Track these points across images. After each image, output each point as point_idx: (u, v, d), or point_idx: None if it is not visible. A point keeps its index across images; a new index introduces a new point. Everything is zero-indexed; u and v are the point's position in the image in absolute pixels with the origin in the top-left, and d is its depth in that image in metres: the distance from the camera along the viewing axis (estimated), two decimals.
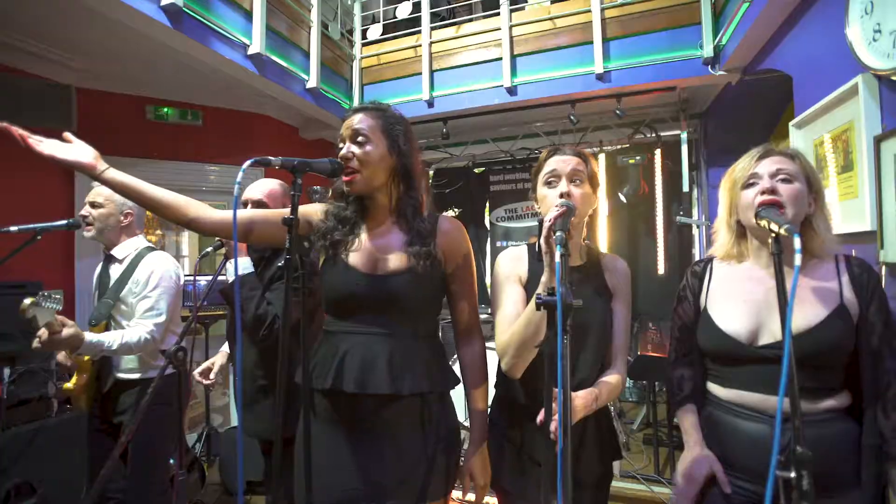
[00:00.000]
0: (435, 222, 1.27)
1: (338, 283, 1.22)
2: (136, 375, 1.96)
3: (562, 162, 1.28)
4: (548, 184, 1.28)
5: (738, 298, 1.17)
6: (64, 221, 1.90)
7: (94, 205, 1.97)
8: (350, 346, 1.18)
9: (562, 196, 1.22)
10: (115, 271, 2.00)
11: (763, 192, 1.09)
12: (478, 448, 1.28)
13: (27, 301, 1.54)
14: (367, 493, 1.15)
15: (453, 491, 1.28)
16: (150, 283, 1.94)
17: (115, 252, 2.01)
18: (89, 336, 1.75)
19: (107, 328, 1.93)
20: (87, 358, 1.90)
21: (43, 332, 1.61)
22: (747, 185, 1.14)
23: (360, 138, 1.19)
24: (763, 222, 1.03)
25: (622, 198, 4.27)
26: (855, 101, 1.64)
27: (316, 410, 1.22)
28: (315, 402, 1.22)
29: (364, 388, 1.13)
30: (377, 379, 1.14)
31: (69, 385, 1.93)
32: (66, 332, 1.64)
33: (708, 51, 3.03)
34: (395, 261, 1.20)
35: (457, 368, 1.35)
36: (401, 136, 1.23)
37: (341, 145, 1.22)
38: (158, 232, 4.55)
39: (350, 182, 1.19)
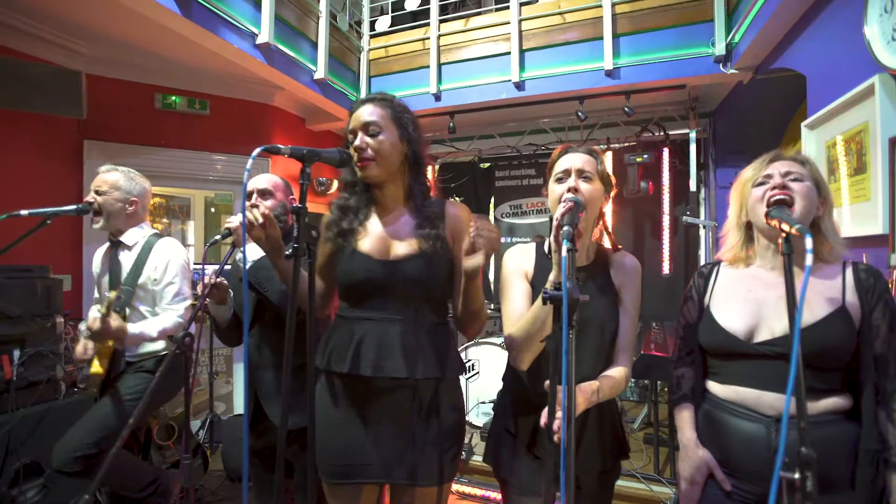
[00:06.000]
0: (442, 206, 1.29)
1: (351, 269, 1.25)
2: (146, 360, 2.01)
3: (572, 159, 1.28)
4: (558, 181, 1.28)
5: (739, 297, 1.18)
6: (73, 207, 1.90)
7: (98, 192, 1.98)
8: (365, 331, 1.22)
9: (569, 191, 1.22)
10: (127, 258, 2.01)
11: (774, 188, 1.10)
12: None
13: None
14: (376, 470, 1.20)
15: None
16: (171, 269, 1.99)
17: (124, 239, 2.02)
18: (132, 328, 1.81)
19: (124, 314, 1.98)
20: (110, 343, 1.91)
21: (94, 322, 1.66)
22: (758, 185, 1.15)
23: (372, 128, 1.21)
24: (774, 222, 1.02)
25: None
26: (871, 102, 1.63)
27: (335, 392, 1.26)
28: (334, 383, 1.26)
29: (380, 372, 1.18)
30: (393, 363, 1.18)
31: (95, 370, 1.94)
32: (115, 323, 1.71)
33: (720, 49, 3.00)
34: (407, 245, 1.24)
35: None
36: (410, 124, 1.27)
37: (351, 137, 1.23)
38: (165, 220, 4.57)
39: (364, 168, 1.21)
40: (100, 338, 1.74)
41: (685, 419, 1.25)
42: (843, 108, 1.83)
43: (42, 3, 2.55)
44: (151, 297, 1.99)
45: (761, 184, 1.14)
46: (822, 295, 1.09)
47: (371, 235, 1.27)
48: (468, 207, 1.33)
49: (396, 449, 1.21)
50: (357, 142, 1.21)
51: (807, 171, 1.13)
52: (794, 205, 1.07)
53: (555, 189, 1.28)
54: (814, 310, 1.07)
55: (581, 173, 1.26)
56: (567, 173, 1.26)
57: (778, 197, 1.08)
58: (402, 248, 1.23)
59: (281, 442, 0.96)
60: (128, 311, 1.97)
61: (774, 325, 1.10)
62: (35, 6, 2.58)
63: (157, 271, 1.98)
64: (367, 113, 1.22)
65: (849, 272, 1.11)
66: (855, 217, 1.74)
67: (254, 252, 1.68)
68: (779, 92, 3.03)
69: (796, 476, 0.82)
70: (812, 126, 2.09)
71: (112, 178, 1.99)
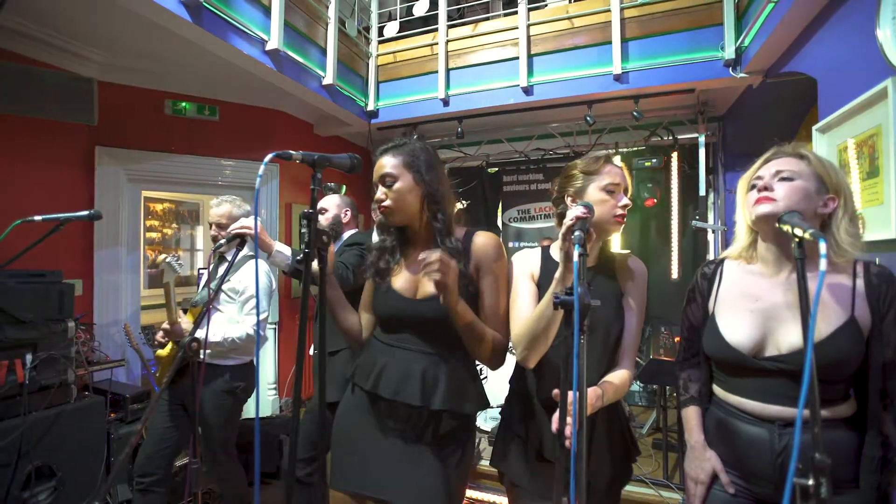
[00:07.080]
0: (469, 239, 1.33)
1: (383, 305, 1.36)
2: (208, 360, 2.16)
3: (620, 176, 1.31)
4: (609, 192, 1.29)
5: (744, 307, 1.16)
6: (86, 212, 1.93)
7: (220, 226, 2.27)
8: (390, 357, 1.31)
9: (625, 207, 1.28)
10: (223, 269, 2.22)
11: (759, 191, 1.10)
12: None
13: (163, 256, 1.91)
14: (377, 486, 1.26)
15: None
16: (251, 285, 2.20)
17: (227, 254, 2.29)
18: (198, 332, 2.02)
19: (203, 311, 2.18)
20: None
21: (166, 325, 2.04)
22: (751, 188, 1.16)
23: (388, 179, 1.31)
24: (786, 227, 1.00)
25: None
26: (884, 105, 1.61)
27: (357, 402, 1.36)
28: (356, 395, 1.37)
29: (397, 396, 1.26)
30: (411, 390, 1.25)
31: (162, 352, 2.21)
32: (184, 324, 2.06)
33: (729, 52, 2.99)
34: (431, 285, 1.25)
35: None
36: (423, 166, 1.32)
37: (375, 188, 1.35)
38: (174, 225, 4.61)
39: (385, 216, 1.34)
40: (171, 337, 2.07)
41: (692, 421, 1.26)
42: (856, 112, 1.81)
43: (55, 12, 2.59)
44: (236, 303, 2.23)
45: (753, 186, 1.14)
46: (830, 306, 1.06)
47: (403, 274, 1.37)
48: (496, 236, 1.36)
49: (402, 471, 1.25)
50: (378, 193, 1.32)
51: (804, 165, 1.10)
52: (777, 205, 1.06)
53: (607, 199, 1.28)
54: (821, 324, 1.05)
55: (625, 190, 1.31)
56: (618, 186, 1.29)
57: (761, 202, 1.09)
58: (427, 288, 1.30)
59: (293, 427, 0.98)
60: (211, 308, 2.21)
61: (781, 341, 1.09)
62: (48, 15, 2.62)
63: (241, 284, 2.21)
64: (384, 164, 1.32)
65: (860, 276, 1.08)
66: (867, 221, 1.72)
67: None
68: (789, 96, 3.01)
69: (810, 482, 0.81)
70: (823, 130, 2.07)
71: (225, 210, 2.28)
